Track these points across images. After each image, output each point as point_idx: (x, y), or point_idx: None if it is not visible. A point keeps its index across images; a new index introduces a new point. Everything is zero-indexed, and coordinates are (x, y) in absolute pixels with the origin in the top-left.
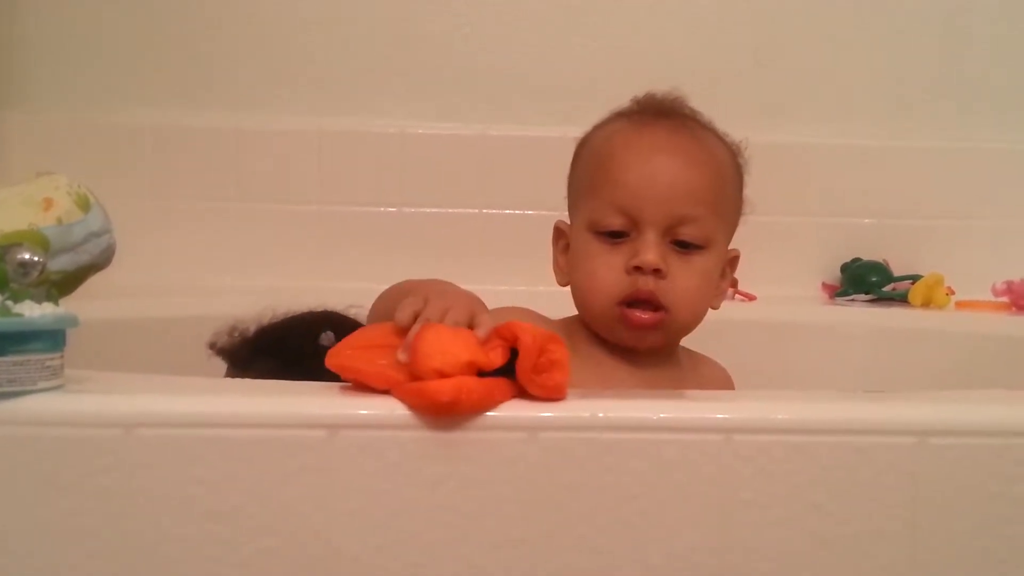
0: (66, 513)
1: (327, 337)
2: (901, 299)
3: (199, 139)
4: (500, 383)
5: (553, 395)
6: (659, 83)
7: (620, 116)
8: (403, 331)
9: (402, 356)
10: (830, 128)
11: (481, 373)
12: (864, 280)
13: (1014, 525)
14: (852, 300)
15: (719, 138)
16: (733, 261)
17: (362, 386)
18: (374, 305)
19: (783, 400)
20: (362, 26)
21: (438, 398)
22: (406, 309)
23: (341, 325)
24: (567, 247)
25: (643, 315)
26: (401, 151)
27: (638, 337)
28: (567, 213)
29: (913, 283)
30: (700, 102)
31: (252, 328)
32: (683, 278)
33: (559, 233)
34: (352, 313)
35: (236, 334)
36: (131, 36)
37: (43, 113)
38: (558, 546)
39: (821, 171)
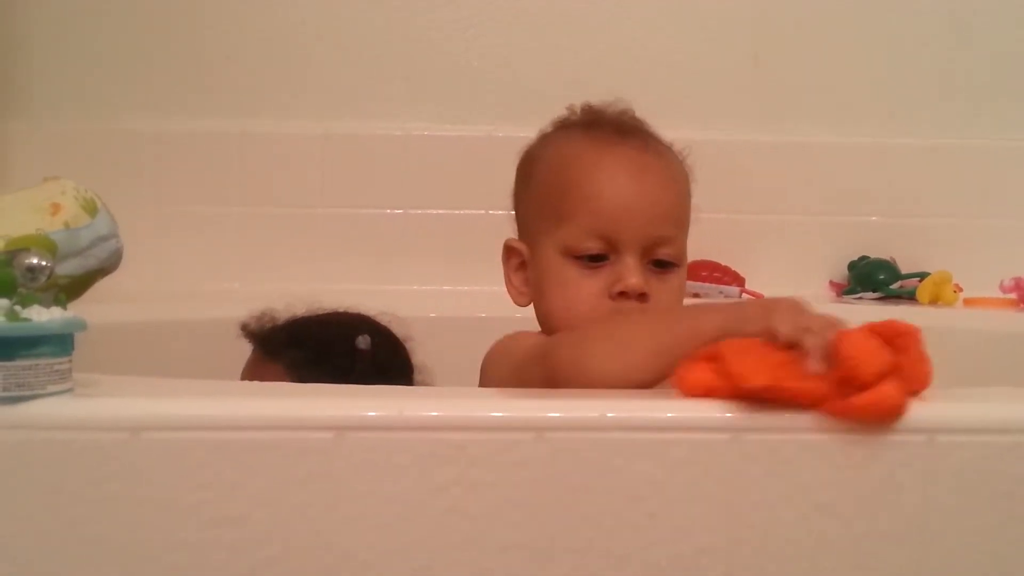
0: (73, 517)
1: (364, 340)
2: (909, 297)
3: (203, 144)
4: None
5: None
6: (662, 83)
7: (570, 130)
8: (784, 344)
9: (817, 366)
10: (837, 127)
11: None
12: (872, 278)
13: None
14: (860, 298)
15: (673, 152)
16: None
17: (777, 401)
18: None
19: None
20: (366, 29)
21: (893, 410)
22: (786, 322)
23: (375, 330)
24: (521, 265)
25: None
26: (406, 153)
27: None
28: (516, 229)
29: (921, 281)
30: (705, 101)
31: (284, 317)
32: (663, 298)
33: (511, 251)
34: (385, 320)
35: (267, 320)
36: (133, 43)
37: (47, 121)
38: (566, 548)
39: (828, 170)
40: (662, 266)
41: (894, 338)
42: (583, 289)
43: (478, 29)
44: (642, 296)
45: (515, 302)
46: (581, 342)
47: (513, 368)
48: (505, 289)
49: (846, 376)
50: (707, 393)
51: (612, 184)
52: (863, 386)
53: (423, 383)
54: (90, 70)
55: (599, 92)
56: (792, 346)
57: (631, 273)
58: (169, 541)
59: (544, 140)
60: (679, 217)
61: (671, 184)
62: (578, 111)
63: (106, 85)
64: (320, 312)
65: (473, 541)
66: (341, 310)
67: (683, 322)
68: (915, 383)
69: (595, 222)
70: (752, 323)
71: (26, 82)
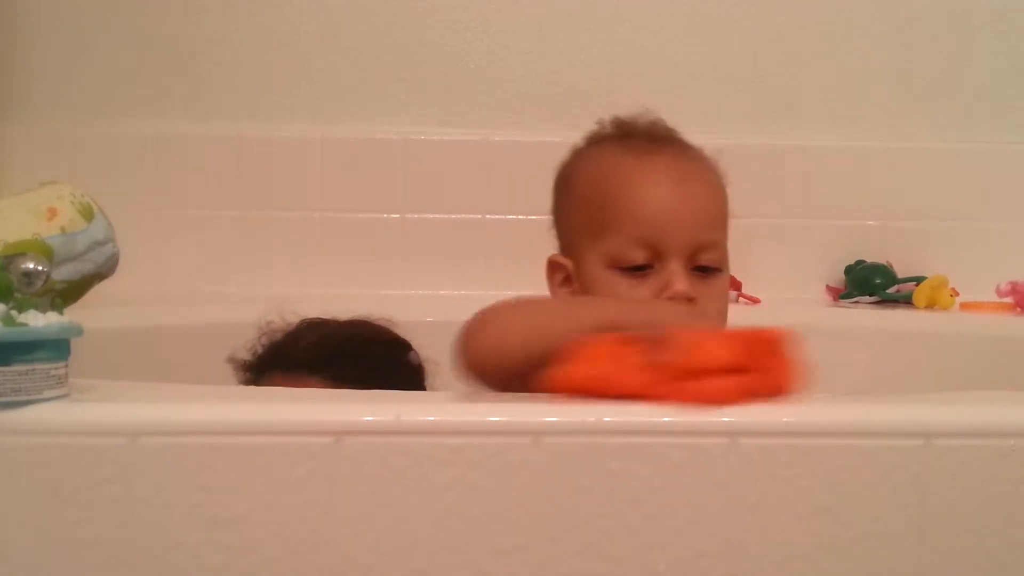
0: (71, 522)
1: (416, 356)
2: (905, 301)
3: (201, 148)
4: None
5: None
6: (659, 87)
7: (604, 143)
8: (632, 340)
9: (665, 357)
10: (833, 130)
11: None
12: (868, 282)
13: (1021, 527)
14: (856, 302)
15: (707, 157)
16: None
17: (602, 394)
18: (506, 335)
19: (788, 403)
20: (364, 33)
21: (723, 398)
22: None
23: (400, 341)
24: (565, 280)
25: None
26: (404, 158)
27: None
28: (558, 245)
29: (917, 285)
30: (701, 105)
31: (280, 332)
32: (710, 302)
33: (555, 267)
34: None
35: (263, 343)
36: (132, 46)
37: (45, 124)
38: (564, 551)
39: (824, 173)
40: (705, 271)
41: (754, 343)
42: (632, 298)
43: (475, 33)
44: (690, 301)
45: None
46: (477, 319)
47: None
48: (504, 293)
49: (683, 369)
50: (558, 387)
51: (654, 193)
52: (696, 378)
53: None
54: (88, 73)
55: (598, 96)
56: (646, 341)
57: (678, 280)
58: (167, 544)
59: (579, 155)
60: (721, 221)
61: (712, 189)
62: (608, 125)
63: (104, 88)
64: (340, 321)
65: (471, 545)
66: (357, 318)
67: (564, 313)
68: (767, 387)
69: (640, 231)
70: (634, 319)
71: (24, 85)
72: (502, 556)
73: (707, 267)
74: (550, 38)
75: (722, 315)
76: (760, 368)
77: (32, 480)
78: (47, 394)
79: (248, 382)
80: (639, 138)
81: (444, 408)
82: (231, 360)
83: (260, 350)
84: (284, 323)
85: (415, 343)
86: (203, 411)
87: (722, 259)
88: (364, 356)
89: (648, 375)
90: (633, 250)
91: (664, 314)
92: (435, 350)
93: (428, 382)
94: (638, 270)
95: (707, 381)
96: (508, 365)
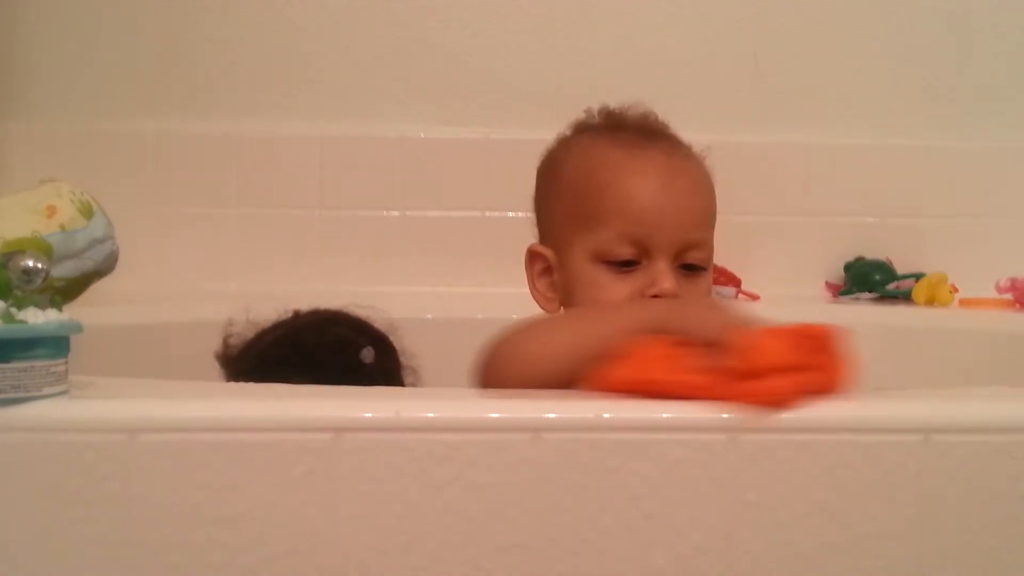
0: (70, 519)
1: (368, 353)
2: (905, 297)
3: (201, 146)
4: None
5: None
6: (660, 84)
7: (594, 134)
8: (684, 343)
9: (722, 359)
10: (833, 128)
11: None
12: (868, 279)
13: (1020, 523)
14: (856, 299)
15: (697, 155)
16: None
17: (656, 395)
18: (536, 347)
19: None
20: (363, 31)
21: (782, 398)
22: (693, 320)
23: (366, 332)
24: (545, 270)
25: None
26: (403, 155)
27: None
28: (538, 233)
29: (917, 281)
30: (701, 103)
31: (251, 329)
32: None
33: (535, 256)
34: (365, 314)
35: (236, 338)
36: (131, 44)
37: (44, 122)
38: (563, 549)
39: (824, 170)
40: (691, 269)
41: (806, 340)
42: (616, 294)
43: (475, 31)
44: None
45: (542, 308)
46: (515, 334)
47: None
48: (503, 290)
49: (741, 370)
50: (611, 388)
51: (645, 190)
52: (756, 378)
53: (412, 378)
54: (88, 72)
55: (598, 94)
56: (700, 344)
57: (664, 277)
58: (168, 541)
59: (567, 144)
60: (708, 220)
61: (700, 188)
62: (596, 114)
63: (104, 86)
64: (308, 315)
65: (471, 541)
66: (326, 310)
67: (604, 318)
68: (824, 384)
69: (629, 227)
70: (668, 322)
71: (24, 83)
72: (501, 553)
73: (692, 265)
74: (549, 36)
75: None
76: (814, 365)
77: (31, 477)
78: (46, 391)
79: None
80: (630, 131)
81: (443, 404)
82: (217, 356)
83: (221, 352)
84: (248, 322)
85: (415, 340)
86: (203, 408)
87: (708, 258)
88: (306, 363)
89: (705, 377)
90: (620, 245)
91: (714, 316)
92: (435, 347)
93: (413, 379)
94: (624, 265)
95: (764, 381)
96: (553, 380)
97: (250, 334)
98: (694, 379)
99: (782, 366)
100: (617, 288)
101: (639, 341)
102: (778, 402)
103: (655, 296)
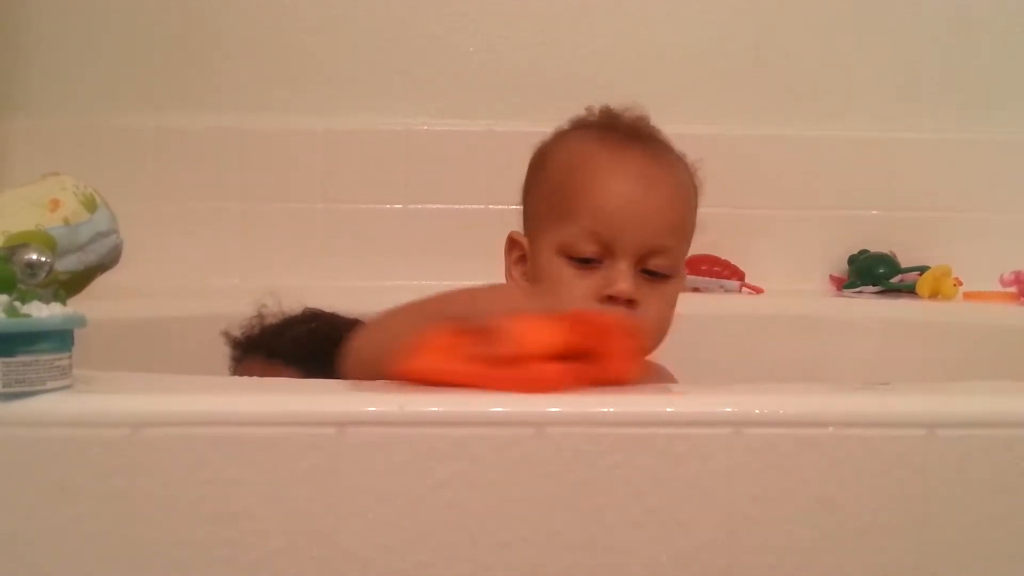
0: (74, 513)
1: None
2: (909, 290)
3: (202, 140)
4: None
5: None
6: (663, 77)
7: (584, 131)
8: (465, 331)
9: (492, 347)
10: (837, 121)
11: None
12: (872, 272)
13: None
14: (860, 292)
15: (684, 163)
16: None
17: (440, 384)
18: (376, 332)
19: (792, 393)
20: (365, 24)
21: (546, 385)
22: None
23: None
24: (521, 258)
25: None
26: (406, 148)
27: None
28: (522, 222)
29: (921, 274)
30: (704, 96)
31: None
32: (653, 307)
33: (513, 244)
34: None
35: (255, 325)
36: (132, 39)
37: (46, 117)
38: (566, 544)
39: (828, 163)
40: (654, 275)
41: (581, 328)
42: (574, 289)
43: (479, 24)
44: (630, 302)
45: None
46: (361, 327)
47: None
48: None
49: (506, 357)
50: (426, 377)
51: (615, 190)
52: (519, 365)
53: None
54: (90, 66)
55: (600, 87)
56: (477, 331)
57: (622, 279)
58: (171, 536)
59: (557, 138)
60: (679, 229)
61: (675, 195)
62: (596, 112)
63: (106, 81)
64: (334, 318)
65: (473, 536)
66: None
67: (411, 309)
68: (598, 374)
69: (594, 225)
70: (456, 311)
71: (26, 78)
72: (505, 548)
73: (656, 272)
74: (552, 29)
75: (663, 321)
76: (589, 353)
77: (35, 471)
78: (50, 385)
79: (233, 359)
80: (619, 132)
81: (447, 399)
82: (224, 333)
83: (250, 331)
84: (280, 309)
85: None
86: (207, 402)
87: (674, 267)
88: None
89: (478, 365)
90: (585, 242)
91: (493, 303)
92: None
93: None
94: (586, 262)
95: (531, 367)
96: (373, 372)
97: (277, 320)
98: (466, 368)
99: (550, 353)
100: (576, 285)
101: (430, 331)
102: (540, 389)
103: (611, 297)
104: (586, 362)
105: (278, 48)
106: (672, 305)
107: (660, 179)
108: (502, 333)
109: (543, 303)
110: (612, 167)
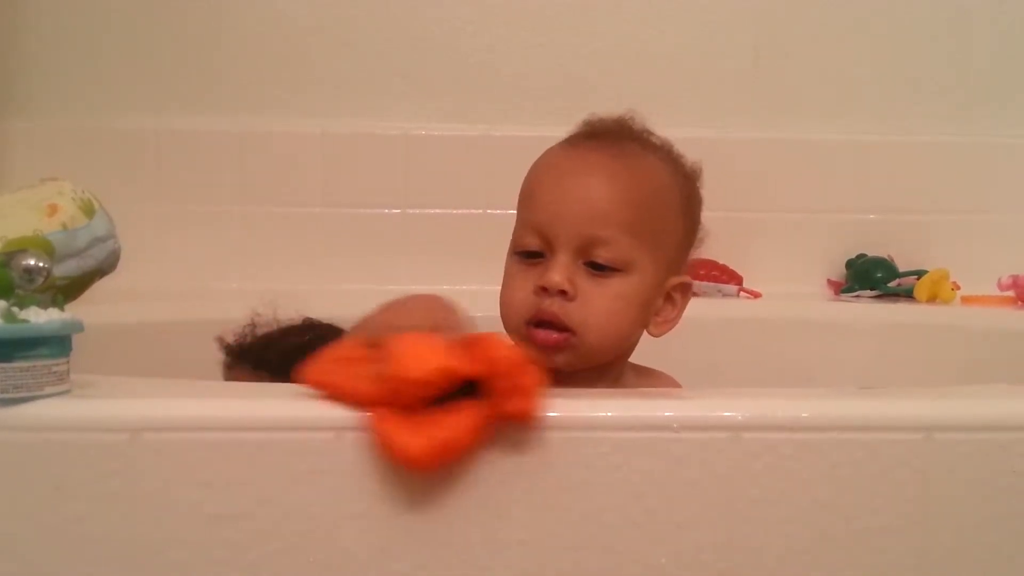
0: (73, 518)
1: None
2: (907, 294)
3: (202, 143)
4: (464, 419)
5: (521, 420)
6: (661, 81)
7: (569, 137)
8: (371, 343)
9: (381, 366)
10: (835, 124)
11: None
12: (869, 276)
13: (1022, 520)
14: (857, 296)
15: (662, 161)
16: (682, 288)
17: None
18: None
19: (790, 397)
20: (364, 28)
21: (406, 452)
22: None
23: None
24: None
25: (547, 335)
26: (405, 152)
27: (545, 357)
28: None
29: (918, 278)
30: (702, 99)
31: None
32: (594, 300)
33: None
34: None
35: (248, 334)
36: (133, 41)
37: (46, 120)
38: (565, 546)
39: (825, 167)
40: (600, 269)
41: (466, 349)
42: (516, 283)
43: (477, 27)
44: (563, 294)
45: None
46: None
47: None
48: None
49: (391, 376)
50: (320, 389)
51: (550, 182)
52: (411, 386)
53: None
54: (90, 68)
55: (598, 92)
56: (374, 346)
57: (554, 270)
58: (170, 540)
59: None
60: (622, 221)
61: (618, 186)
62: (592, 120)
63: (106, 83)
64: (325, 329)
65: (472, 538)
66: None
67: (369, 316)
68: (492, 410)
69: (534, 218)
70: (384, 319)
71: (26, 80)
72: (504, 550)
73: (601, 265)
74: (551, 33)
75: (609, 315)
76: (488, 387)
77: (34, 476)
78: (48, 390)
79: (225, 365)
80: (582, 132)
81: None
82: (218, 339)
83: (242, 339)
84: (275, 317)
85: None
86: (205, 407)
87: (622, 260)
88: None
89: (362, 382)
90: (528, 236)
91: (411, 317)
92: None
93: None
94: (530, 257)
95: (400, 388)
96: None
97: (271, 330)
98: (351, 385)
99: (425, 378)
100: (519, 278)
101: (343, 341)
102: (406, 408)
103: (542, 288)
104: (481, 395)
105: (278, 52)
106: (622, 301)
107: (600, 168)
108: (389, 352)
109: (451, 320)
110: (558, 163)
